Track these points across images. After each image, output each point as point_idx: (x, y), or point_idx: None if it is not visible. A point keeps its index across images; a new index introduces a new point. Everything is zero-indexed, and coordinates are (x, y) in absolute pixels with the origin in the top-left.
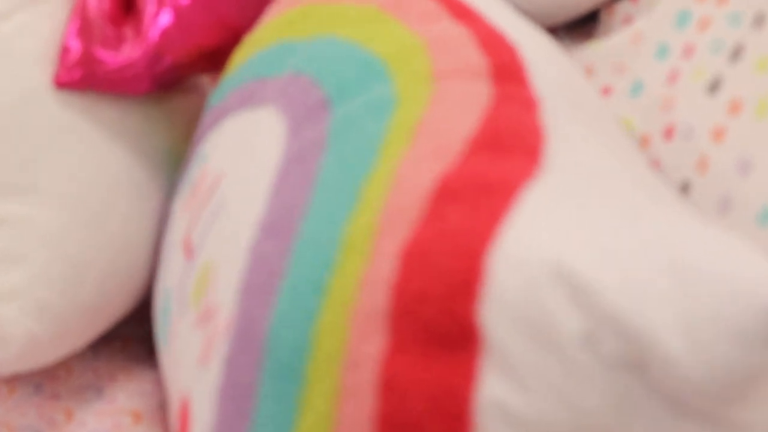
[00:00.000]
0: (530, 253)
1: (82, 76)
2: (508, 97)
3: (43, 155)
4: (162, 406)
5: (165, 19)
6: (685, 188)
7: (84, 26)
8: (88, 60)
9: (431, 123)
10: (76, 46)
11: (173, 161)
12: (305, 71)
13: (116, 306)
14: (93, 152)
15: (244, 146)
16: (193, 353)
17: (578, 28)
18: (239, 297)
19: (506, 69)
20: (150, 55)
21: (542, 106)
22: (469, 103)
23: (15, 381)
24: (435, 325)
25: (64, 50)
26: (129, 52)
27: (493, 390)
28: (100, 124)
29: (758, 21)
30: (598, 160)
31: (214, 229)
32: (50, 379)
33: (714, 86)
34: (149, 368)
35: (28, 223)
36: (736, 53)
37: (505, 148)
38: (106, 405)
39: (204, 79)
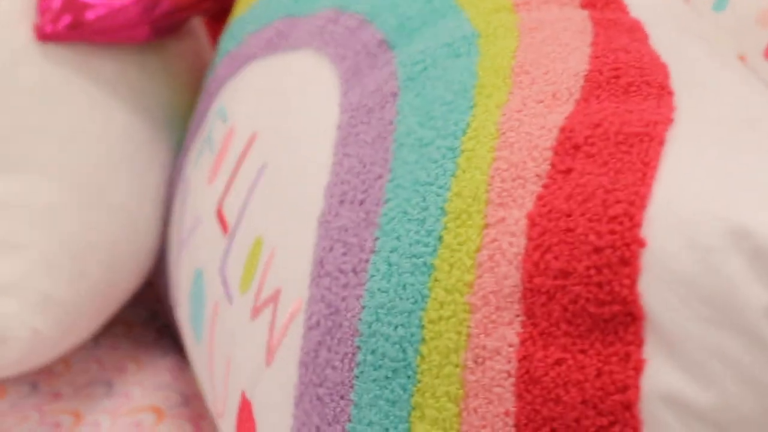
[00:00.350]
0: (696, 213)
1: (69, 24)
2: (612, 24)
3: (33, 122)
4: (185, 400)
5: None
6: None
7: None
8: (73, 5)
9: (530, 60)
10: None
11: (176, 116)
12: (350, 7)
13: (123, 289)
14: (89, 115)
15: (280, 99)
16: (252, 348)
17: None
18: (313, 279)
19: None
20: None
21: (650, 32)
22: (571, 33)
23: (5, 380)
24: (584, 305)
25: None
26: None
27: (663, 378)
28: (96, 80)
29: None
30: (732, 94)
31: (258, 199)
32: (47, 376)
33: None
34: (160, 356)
35: (23, 203)
36: None
37: (630, 87)
38: (120, 402)
39: (195, 21)
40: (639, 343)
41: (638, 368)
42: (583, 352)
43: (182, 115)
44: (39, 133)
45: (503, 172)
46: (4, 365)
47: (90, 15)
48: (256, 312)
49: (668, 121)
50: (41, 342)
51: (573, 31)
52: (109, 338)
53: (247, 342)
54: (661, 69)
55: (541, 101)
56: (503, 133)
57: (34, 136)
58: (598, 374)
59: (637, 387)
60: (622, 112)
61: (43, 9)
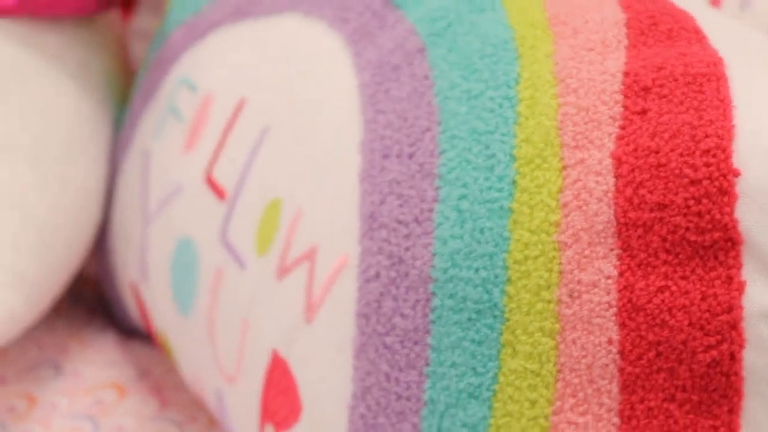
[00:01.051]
0: None
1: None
2: None
3: None
4: (142, 374)
5: None
6: None
7: None
8: None
9: (563, 12)
10: None
11: (112, 88)
12: None
13: (77, 266)
14: (42, 91)
15: (272, 64)
16: (282, 308)
17: None
18: (364, 233)
19: None
20: None
21: None
22: None
23: None
24: (684, 235)
25: None
26: None
27: (763, 297)
28: (45, 56)
29: None
30: (741, 34)
31: (265, 162)
32: None
33: None
34: (100, 333)
35: None
36: None
37: (672, 33)
38: (73, 382)
39: None
40: (738, 266)
41: (740, 289)
42: (684, 278)
43: (117, 87)
44: None
45: (573, 116)
46: None
47: None
48: (283, 272)
49: (721, 61)
50: (14, 320)
51: None
52: (44, 319)
53: (273, 303)
54: (687, 15)
55: (592, 49)
56: (562, 80)
57: None
58: (703, 297)
59: (740, 307)
60: (676, 55)
61: None
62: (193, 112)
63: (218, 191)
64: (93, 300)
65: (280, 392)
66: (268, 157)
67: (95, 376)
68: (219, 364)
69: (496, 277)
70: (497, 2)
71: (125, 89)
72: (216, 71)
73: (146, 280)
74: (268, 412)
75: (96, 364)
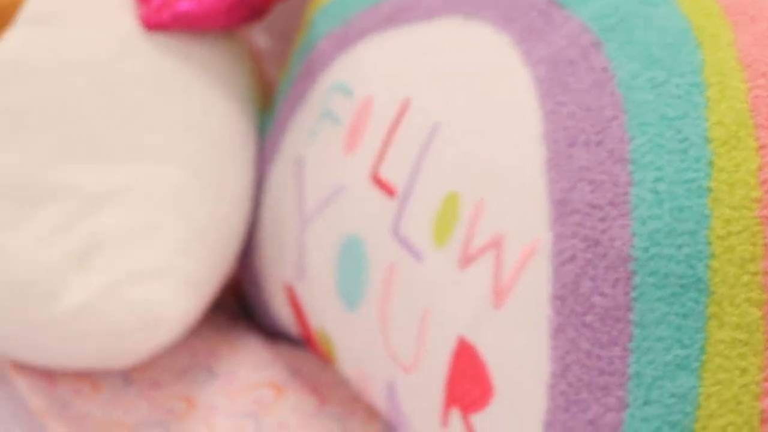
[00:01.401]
0: None
1: (173, 13)
2: None
3: (145, 111)
4: (295, 373)
5: None
6: None
7: None
8: None
9: (736, 2)
10: None
11: (253, 98)
12: None
13: (230, 269)
14: (196, 102)
15: (435, 65)
16: (466, 296)
17: None
18: (555, 219)
19: None
20: None
21: None
22: None
23: (95, 376)
24: None
25: None
26: None
27: None
28: (197, 68)
29: None
30: None
31: (438, 159)
32: (137, 367)
33: None
34: (246, 336)
35: (149, 191)
36: None
37: None
38: (228, 383)
39: None
40: None
41: None
42: None
43: (255, 96)
44: (154, 122)
45: (765, 99)
46: (153, 347)
47: (187, 4)
48: (466, 261)
49: None
50: (185, 322)
51: None
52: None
53: (457, 291)
54: None
55: None
56: (748, 66)
57: (149, 125)
58: None
59: None
60: None
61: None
62: (350, 115)
63: (387, 189)
64: (232, 306)
65: (468, 376)
66: (440, 153)
67: (250, 377)
68: (393, 355)
69: (700, 252)
70: None
71: (261, 98)
72: (373, 75)
73: (303, 280)
74: (454, 396)
75: (248, 366)
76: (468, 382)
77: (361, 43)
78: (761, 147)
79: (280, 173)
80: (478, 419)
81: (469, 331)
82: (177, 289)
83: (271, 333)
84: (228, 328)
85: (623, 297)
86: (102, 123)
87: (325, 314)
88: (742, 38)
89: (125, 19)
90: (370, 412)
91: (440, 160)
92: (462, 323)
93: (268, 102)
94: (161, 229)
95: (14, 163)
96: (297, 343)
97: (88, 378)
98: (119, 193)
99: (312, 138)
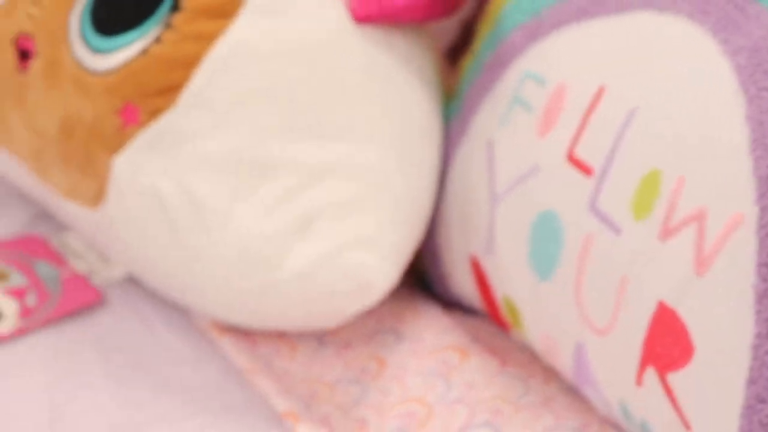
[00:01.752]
0: None
1: (381, 7)
2: None
3: (355, 95)
4: (476, 339)
5: None
6: None
7: None
8: None
9: None
10: None
11: (439, 84)
12: None
13: (419, 241)
14: (394, 86)
15: (630, 55)
16: (669, 265)
17: None
18: (762, 193)
19: None
20: None
21: None
22: None
23: (290, 338)
24: None
25: None
26: None
27: None
28: (398, 56)
29: None
30: None
31: (636, 139)
32: (327, 332)
33: None
34: (426, 304)
35: (364, 169)
36: None
37: None
38: (416, 346)
39: None
40: None
41: None
42: None
43: (440, 84)
44: (361, 105)
45: None
46: (361, 309)
47: None
48: (667, 233)
49: None
50: (389, 289)
51: None
52: None
53: (658, 261)
54: None
55: None
56: None
57: (358, 108)
58: None
59: None
60: None
61: None
62: (543, 102)
63: (584, 168)
64: (409, 276)
65: (667, 337)
66: (639, 134)
67: (435, 341)
68: (585, 320)
69: None
70: None
71: (443, 85)
72: (566, 65)
73: (491, 253)
74: (651, 356)
75: (433, 330)
76: (667, 342)
77: (553, 35)
78: None
79: (467, 154)
80: (677, 377)
81: (670, 297)
82: (383, 256)
83: (448, 302)
84: (409, 296)
85: None
86: (317, 104)
87: (514, 284)
88: None
89: (337, 12)
90: (549, 373)
91: (640, 140)
92: (663, 290)
93: (449, 89)
94: (369, 202)
95: (242, 140)
96: (471, 312)
97: (286, 339)
98: (333, 168)
99: (503, 122)
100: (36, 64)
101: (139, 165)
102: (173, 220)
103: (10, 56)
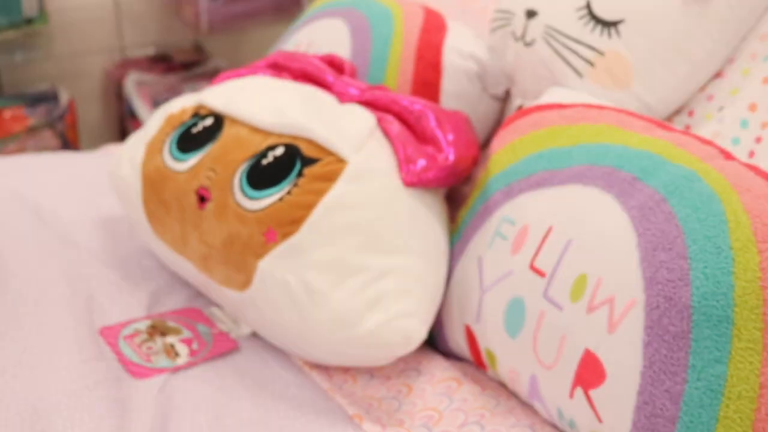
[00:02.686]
0: None
1: (431, 178)
2: None
3: (408, 227)
4: (465, 374)
5: (451, 153)
6: None
7: (405, 147)
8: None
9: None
10: (419, 162)
11: (446, 221)
12: (599, 162)
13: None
14: (428, 223)
15: (568, 207)
16: (591, 328)
17: None
18: (645, 286)
19: None
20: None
21: None
22: None
23: (352, 371)
24: None
25: (408, 161)
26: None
27: None
28: (427, 206)
29: None
30: None
31: (572, 257)
32: (375, 369)
33: None
34: (432, 355)
35: (409, 270)
36: None
37: None
38: (430, 377)
39: None
40: None
41: None
42: None
43: (447, 221)
44: (409, 232)
45: (761, 227)
46: (402, 355)
47: (431, 174)
48: (591, 309)
49: None
50: (419, 343)
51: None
52: None
53: (585, 325)
54: None
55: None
56: (749, 211)
57: (407, 233)
58: None
59: None
60: None
61: (407, 169)
62: (514, 235)
63: (540, 272)
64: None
65: (590, 369)
66: (573, 253)
67: (441, 375)
68: (539, 360)
69: (728, 304)
70: (697, 181)
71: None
72: (529, 213)
73: (479, 322)
74: (579, 380)
75: (439, 368)
76: (590, 372)
77: (521, 196)
78: (760, 251)
79: (465, 264)
80: (595, 392)
81: (592, 345)
82: (421, 325)
83: (446, 353)
84: (423, 349)
85: (686, 327)
86: (384, 233)
87: (493, 341)
88: (743, 198)
89: (395, 180)
90: (511, 394)
91: (573, 257)
92: (588, 342)
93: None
94: (413, 290)
95: (339, 253)
96: (462, 359)
97: (351, 371)
98: (393, 270)
99: (488, 247)
100: (210, 206)
101: (275, 266)
102: (295, 300)
103: (193, 200)
